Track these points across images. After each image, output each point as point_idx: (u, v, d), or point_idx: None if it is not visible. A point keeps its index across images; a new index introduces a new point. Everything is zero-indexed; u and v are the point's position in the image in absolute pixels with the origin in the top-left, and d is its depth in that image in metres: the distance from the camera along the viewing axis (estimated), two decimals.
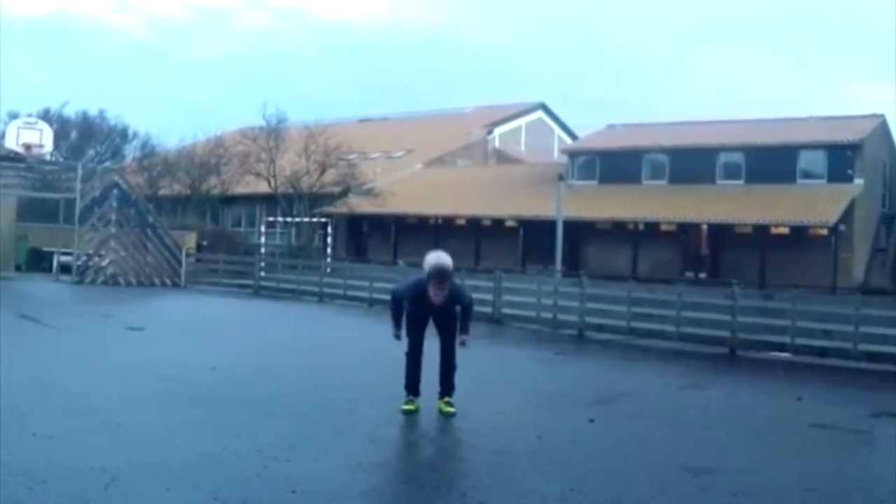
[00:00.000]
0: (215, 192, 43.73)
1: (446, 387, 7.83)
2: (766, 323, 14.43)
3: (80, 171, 25.90)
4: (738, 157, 35.05)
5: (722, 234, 33.45)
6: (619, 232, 34.82)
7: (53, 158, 34.44)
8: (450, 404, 7.76)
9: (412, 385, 7.84)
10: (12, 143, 25.65)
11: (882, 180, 36.18)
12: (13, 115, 33.15)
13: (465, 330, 7.88)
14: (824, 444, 7.59)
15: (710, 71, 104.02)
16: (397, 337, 7.92)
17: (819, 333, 13.69)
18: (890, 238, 35.48)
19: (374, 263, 25.96)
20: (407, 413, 7.67)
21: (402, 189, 39.35)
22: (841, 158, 32.82)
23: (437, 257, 7.66)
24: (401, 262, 22.42)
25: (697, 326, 14.80)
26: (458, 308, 7.87)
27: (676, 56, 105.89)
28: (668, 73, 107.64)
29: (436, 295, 7.54)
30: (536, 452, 6.61)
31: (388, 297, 21.55)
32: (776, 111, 60.71)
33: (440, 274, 7.52)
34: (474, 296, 18.30)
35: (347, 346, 13.48)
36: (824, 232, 30.84)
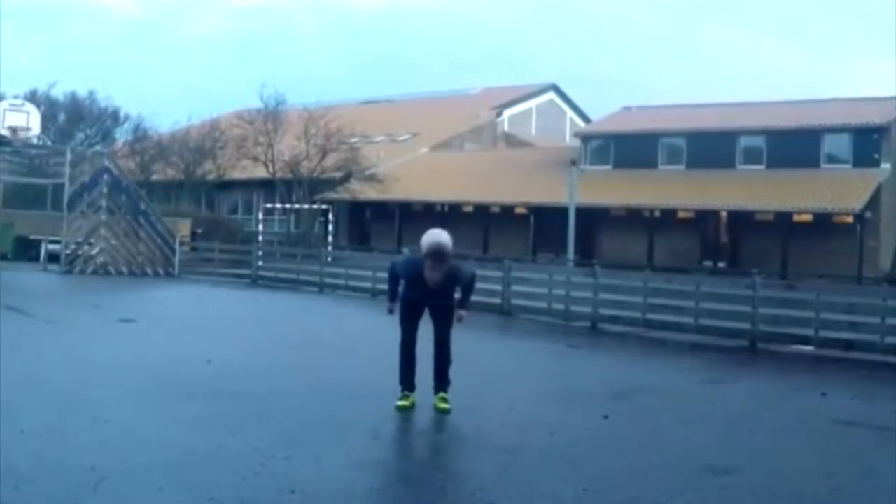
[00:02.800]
0: (211, 177, 43.74)
1: (441, 381, 7.73)
2: (789, 314, 14.40)
3: (68, 156, 25.87)
4: (759, 141, 34.94)
5: (742, 221, 33.37)
6: (634, 219, 34.76)
7: (41, 142, 34.44)
8: (444, 400, 7.65)
9: (405, 379, 7.77)
10: None
11: None
12: None
13: (463, 305, 7.91)
14: (850, 442, 7.55)
15: (715, 52, 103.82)
16: (390, 311, 7.93)
17: (844, 325, 13.65)
18: None
19: (378, 252, 25.89)
20: (401, 409, 7.62)
21: (407, 174, 39.31)
22: (867, 142, 32.70)
23: (434, 235, 7.60)
24: (405, 250, 22.36)
25: (716, 318, 14.78)
26: (457, 292, 7.86)
27: (684, 36, 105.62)
28: (674, 53, 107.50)
29: (431, 274, 7.44)
30: (548, 450, 6.59)
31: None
32: (787, 92, 60.28)
33: (436, 252, 7.43)
34: (482, 286, 18.33)
35: (349, 338, 13.48)
36: (849, 219, 30.75)
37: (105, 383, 8.54)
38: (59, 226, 24.77)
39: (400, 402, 7.68)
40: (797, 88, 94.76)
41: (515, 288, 17.72)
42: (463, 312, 7.88)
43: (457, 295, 7.90)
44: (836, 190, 30.93)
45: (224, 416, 7.27)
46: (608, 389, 9.51)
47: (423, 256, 7.54)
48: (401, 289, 7.90)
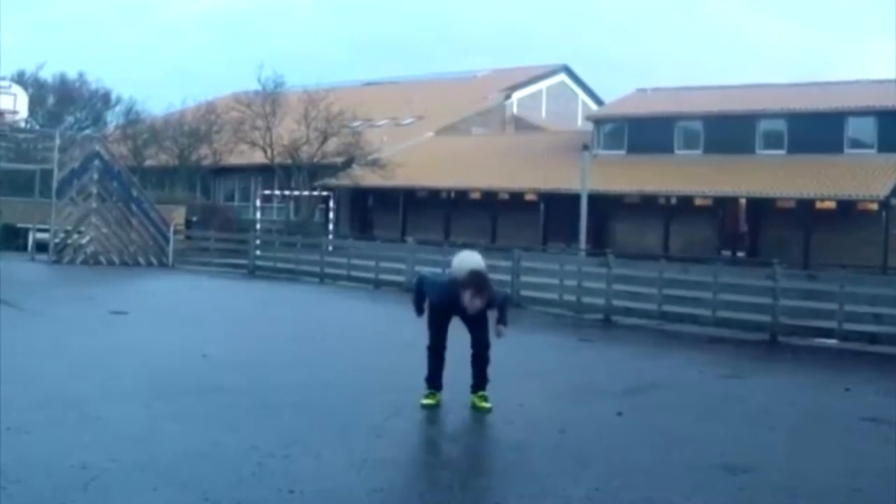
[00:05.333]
0: (206, 162, 43.78)
1: (479, 380, 7.70)
2: (811, 306, 14.37)
3: (57, 140, 25.89)
4: (779, 125, 34.86)
5: (762, 208, 33.32)
6: (649, 206, 34.72)
7: (29, 126, 34.54)
8: (485, 398, 7.62)
9: (434, 379, 7.76)
10: None
11: None
12: None
13: (502, 321, 7.74)
14: (874, 440, 7.54)
15: (728, 32, 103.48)
16: (419, 314, 7.91)
17: (869, 318, 13.64)
18: None
19: (381, 241, 25.93)
20: (426, 407, 7.61)
21: (412, 159, 39.28)
22: (892, 126, 32.58)
23: (469, 261, 7.58)
24: (410, 239, 22.37)
25: (735, 310, 14.75)
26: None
27: (697, 16, 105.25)
28: (689, 34, 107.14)
29: (472, 304, 7.36)
30: (559, 448, 6.59)
31: (394, 278, 21.49)
32: (801, 74, 60.12)
33: (477, 281, 7.38)
34: (490, 276, 18.29)
35: (351, 331, 13.45)
36: (874, 206, 30.70)
37: (96, 378, 8.54)
38: (47, 213, 24.77)
39: (426, 401, 7.65)
40: (809, 70, 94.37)
41: (525, 279, 17.70)
42: (502, 327, 7.74)
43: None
44: (860, 176, 30.87)
45: (220, 412, 7.28)
46: (621, 385, 9.51)
47: (454, 280, 7.50)
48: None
